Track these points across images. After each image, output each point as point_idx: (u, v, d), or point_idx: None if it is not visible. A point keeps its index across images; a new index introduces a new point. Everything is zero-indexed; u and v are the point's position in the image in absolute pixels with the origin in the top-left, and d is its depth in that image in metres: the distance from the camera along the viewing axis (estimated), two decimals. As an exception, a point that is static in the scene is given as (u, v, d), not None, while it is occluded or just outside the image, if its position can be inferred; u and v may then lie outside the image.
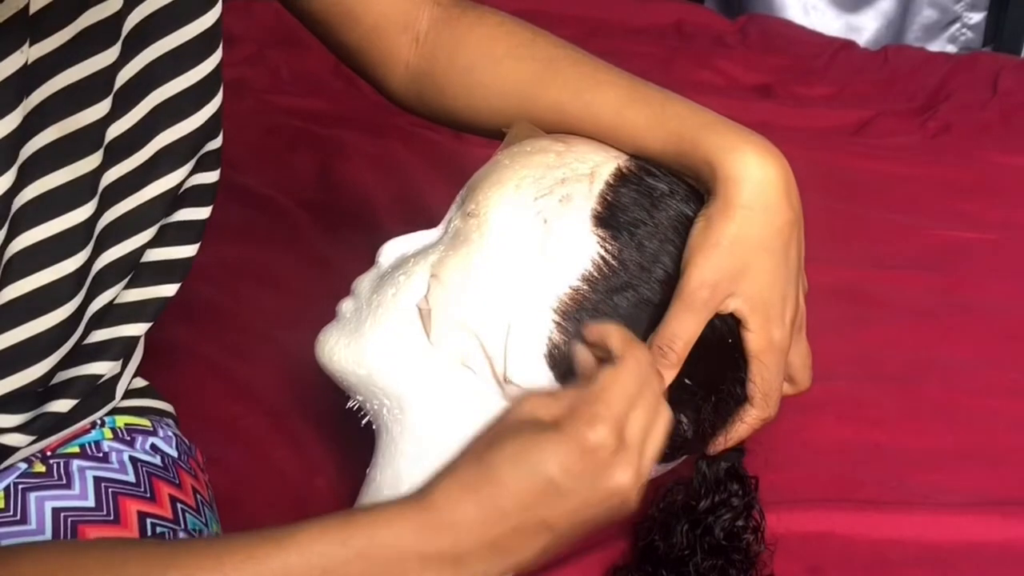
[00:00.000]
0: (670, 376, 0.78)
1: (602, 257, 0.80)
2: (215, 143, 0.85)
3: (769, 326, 0.80)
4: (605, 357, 0.74)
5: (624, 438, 0.69)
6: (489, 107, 0.91)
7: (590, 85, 0.87)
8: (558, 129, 0.88)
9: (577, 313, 0.79)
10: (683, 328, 0.78)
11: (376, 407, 0.84)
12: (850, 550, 0.99)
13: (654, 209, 0.81)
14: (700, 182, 0.82)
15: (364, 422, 0.86)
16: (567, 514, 0.68)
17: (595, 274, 0.80)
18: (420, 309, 0.81)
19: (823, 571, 0.97)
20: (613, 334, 0.74)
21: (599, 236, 0.80)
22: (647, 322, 0.80)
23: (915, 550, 0.99)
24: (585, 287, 0.79)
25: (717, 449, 0.83)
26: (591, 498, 0.68)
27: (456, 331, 0.81)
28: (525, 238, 0.81)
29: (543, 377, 0.80)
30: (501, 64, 0.90)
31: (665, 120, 0.84)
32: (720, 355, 0.81)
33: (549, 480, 0.67)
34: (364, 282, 0.86)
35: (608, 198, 0.81)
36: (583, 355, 0.76)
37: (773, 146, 0.82)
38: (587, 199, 0.81)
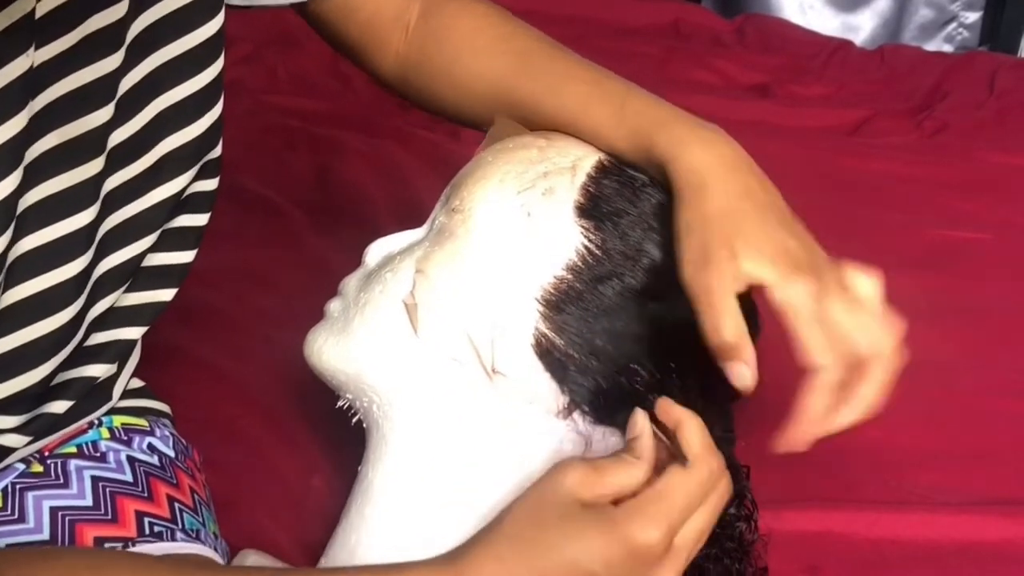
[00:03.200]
0: (749, 354, 0.73)
1: (586, 247, 0.80)
2: (216, 151, 0.86)
3: (785, 278, 0.74)
4: (664, 439, 0.72)
5: (674, 543, 0.68)
6: (470, 98, 0.92)
7: (561, 81, 0.88)
8: (534, 123, 0.89)
9: (562, 303, 0.80)
10: (722, 319, 0.73)
11: (366, 405, 0.84)
12: (848, 549, 0.99)
13: (636, 199, 0.82)
14: (663, 180, 0.82)
15: (355, 420, 0.86)
16: None
17: (579, 264, 0.80)
18: (406, 304, 0.82)
19: (821, 570, 0.97)
20: (694, 432, 0.71)
21: (583, 227, 0.81)
22: (633, 310, 0.80)
23: (913, 549, 0.99)
24: (570, 276, 0.80)
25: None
26: None
27: (443, 325, 0.81)
28: (509, 231, 0.81)
29: (531, 367, 0.80)
30: (480, 57, 0.91)
31: (624, 118, 0.84)
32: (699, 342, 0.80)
33: (589, 573, 0.66)
34: (351, 282, 0.87)
35: (590, 190, 0.82)
36: (643, 431, 0.72)
37: (726, 135, 0.81)
38: (569, 191, 0.82)
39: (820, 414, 0.74)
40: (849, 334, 0.74)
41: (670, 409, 0.72)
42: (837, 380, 0.74)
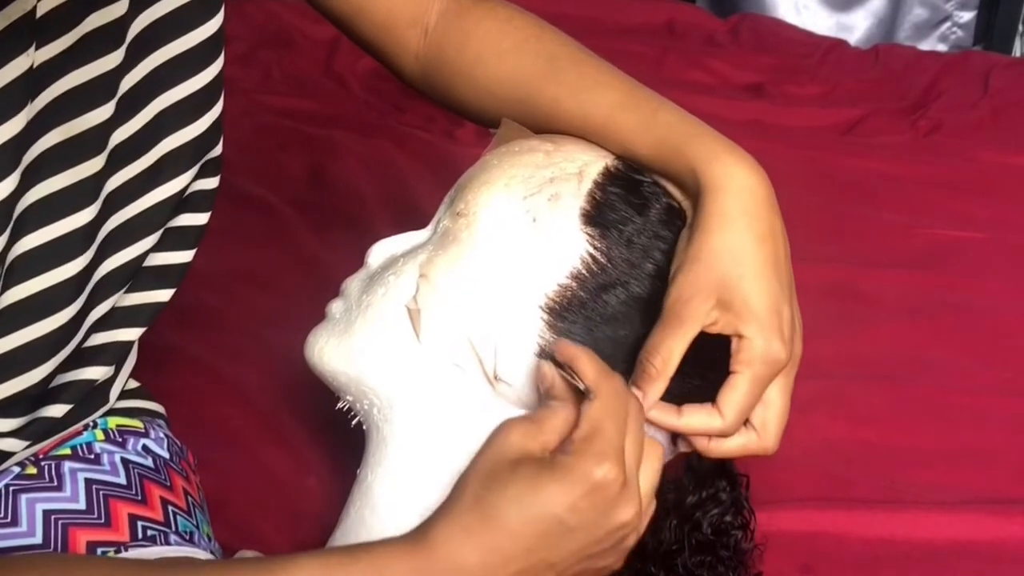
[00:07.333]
0: (656, 391, 0.76)
1: (591, 255, 0.80)
2: (216, 150, 0.86)
3: (766, 334, 0.77)
4: (575, 381, 0.73)
5: (624, 472, 0.69)
6: (492, 100, 0.91)
7: (588, 85, 0.87)
8: (553, 126, 0.88)
9: (566, 311, 0.79)
10: (663, 343, 0.76)
11: (366, 407, 0.84)
12: (841, 549, 0.99)
13: (642, 206, 0.82)
14: (685, 191, 0.82)
15: (355, 423, 0.86)
16: (572, 553, 0.68)
17: (584, 272, 0.80)
18: (409, 309, 0.81)
19: (814, 570, 0.97)
20: (586, 363, 0.72)
21: (588, 234, 0.80)
22: (638, 319, 0.80)
23: (906, 549, 0.99)
24: (574, 285, 0.80)
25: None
26: (598, 534, 0.68)
27: (446, 330, 0.81)
28: (514, 237, 0.81)
29: (533, 375, 0.79)
30: (505, 58, 0.90)
31: (653, 126, 0.83)
32: (714, 353, 0.80)
33: (557, 521, 0.67)
34: (353, 283, 0.87)
35: (596, 196, 0.81)
36: (552, 376, 0.74)
37: (755, 161, 0.81)
38: (576, 198, 0.81)
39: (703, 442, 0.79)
40: (769, 417, 0.80)
41: (565, 348, 0.74)
42: (721, 430, 0.78)
